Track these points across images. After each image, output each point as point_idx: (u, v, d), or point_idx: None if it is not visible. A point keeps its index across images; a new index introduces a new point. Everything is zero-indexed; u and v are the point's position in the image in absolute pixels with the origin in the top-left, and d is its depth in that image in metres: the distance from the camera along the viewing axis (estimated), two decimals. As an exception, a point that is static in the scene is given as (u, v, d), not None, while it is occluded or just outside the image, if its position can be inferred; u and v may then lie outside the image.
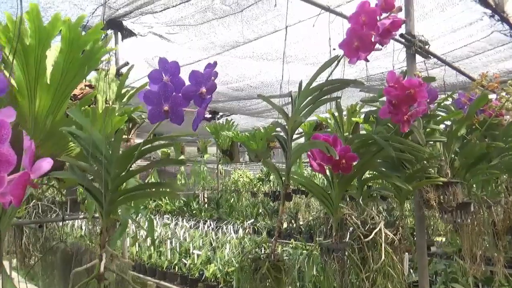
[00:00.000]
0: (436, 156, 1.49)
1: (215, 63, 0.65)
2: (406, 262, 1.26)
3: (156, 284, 3.25)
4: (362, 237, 1.14)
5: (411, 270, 2.34)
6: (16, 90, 1.21)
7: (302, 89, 0.91)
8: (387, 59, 2.68)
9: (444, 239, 3.81)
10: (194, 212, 6.83)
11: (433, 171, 1.45)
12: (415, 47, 1.52)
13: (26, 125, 1.28)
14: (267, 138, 4.86)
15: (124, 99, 1.92)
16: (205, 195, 8.74)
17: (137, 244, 3.67)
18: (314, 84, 0.93)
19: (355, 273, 1.13)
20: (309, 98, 0.89)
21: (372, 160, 1.04)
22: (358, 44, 0.79)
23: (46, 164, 0.46)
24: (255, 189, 8.02)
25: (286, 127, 0.91)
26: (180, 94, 0.58)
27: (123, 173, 0.67)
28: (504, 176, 2.02)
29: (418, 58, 1.62)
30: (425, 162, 1.45)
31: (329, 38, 0.99)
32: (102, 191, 0.65)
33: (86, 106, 1.55)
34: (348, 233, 1.19)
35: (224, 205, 6.91)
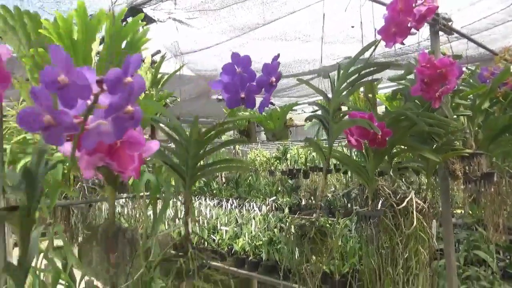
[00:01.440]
0: (461, 129, 1.57)
1: (278, 55, 0.75)
2: (434, 228, 1.37)
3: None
4: (394, 205, 1.24)
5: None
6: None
7: (341, 72, 1.00)
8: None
9: (463, 211, 3.90)
10: (214, 191, 7.02)
11: (458, 143, 1.54)
12: (439, 25, 1.58)
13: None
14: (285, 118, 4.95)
15: (159, 86, 2.03)
16: (223, 175, 8.92)
17: (166, 221, 3.86)
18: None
19: (389, 237, 1.24)
20: (348, 80, 0.98)
21: (404, 134, 1.13)
22: (395, 30, 0.87)
23: (154, 145, 0.57)
24: (272, 167, 8.16)
25: (327, 107, 1.01)
26: (254, 83, 0.68)
27: (200, 152, 0.78)
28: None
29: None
30: (450, 135, 1.53)
31: (361, 22, 1.06)
32: (184, 168, 0.76)
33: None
34: (380, 203, 1.29)
35: (243, 184, 7.07)
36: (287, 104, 4.61)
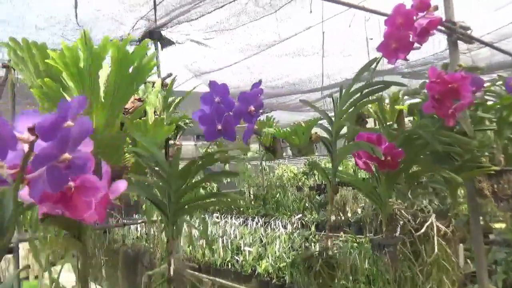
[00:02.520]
0: (487, 144, 1.45)
1: (260, 82, 0.70)
2: (461, 253, 1.25)
3: (211, 281, 3.39)
4: (413, 231, 1.15)
5: (468, 260, 2.28)
6: (77, 111, 1.32)
7: (343, 93, 0.93)
8: (428, 43, 2.59)
9: (503, 226, 3.63)
10: (241, 209, 6.97)
11: (484, 159, 1.42)
12: (457, 34, 1.48)
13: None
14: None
15: (171, 109, 2.03)
16: (251, 192, 8.85)
17: (189, 244, 3.84)
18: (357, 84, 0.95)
19: (408, 267, 1.14)
20: (350, 100, 0.91)
21: (419, 154, 1.04)
22: (396, 45, 0.80)
23: (121, 185, 0.54)
24: (300, 183, 8.02)
25: (331, 129, 0.94)
26: (231, 113, 0.64)
27: (183, 186, 0.74)
28: None
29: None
30: (475, 151, 1.42)
31: (366, 38, 1.00)
32: (166, 203, 0.73)
33: (137, 119, 1.67)
34: (399, 227, 1.20)
35: (270, 201, 6.99)
36: (312, 118, 4.53)
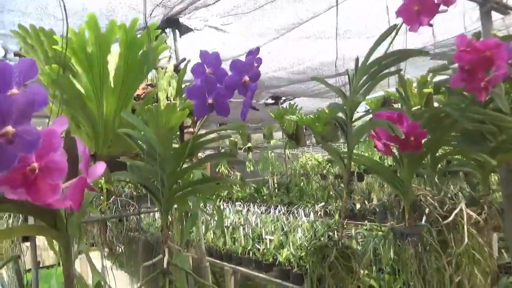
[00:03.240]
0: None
1: (257, 50, 0.62)
2: (495, 242, 1.14)
3: (232, 269, 3.37)
4: (440, 219, 1.05)
5: (503, 250, 2.13)
6: (85, 95, 1.29)
7: (359, 66, 0.84)
8: (458, 20, 2.41)
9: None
10: (264, 197, 6.93)
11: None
12: (490, 2, 1.34)
13: (97, 127, 1.37)
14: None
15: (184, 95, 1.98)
16: (275, 181, 8.79)
17: (212, 231, 3.83)
18: (373, 58, 0.85)
19: (436, 257, 1.05)
20: (367, 74, 0.82)
21: (445, 135, 0.94)
22: (418, 8, 0.70)
23: (100, 168, 0.48)
24: (324, 171, 7.89)
25: (345, 108, 0.85)
26: (223, 86, 0.56)
27: (177, 170, 0.68)
28: None
29: (495, 15, 1.43)
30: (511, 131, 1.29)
31: (386, 6, 0.90)
32: (160, 188, 0.67)
33: (149, 105, 1.63)
34: (425, 215, 1.10)
35: (294, 189, 6.91)
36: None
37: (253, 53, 0.60)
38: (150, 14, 3.26)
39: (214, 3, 3.16)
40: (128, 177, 0.68)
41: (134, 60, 1.48)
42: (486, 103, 0.99)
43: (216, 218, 1.31)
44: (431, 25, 0.75)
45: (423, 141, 0.88)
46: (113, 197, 1.97)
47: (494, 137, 1.04)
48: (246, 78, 0.57)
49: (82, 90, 1.30)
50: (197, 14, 3.34)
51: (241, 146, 8.57)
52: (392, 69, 0.83)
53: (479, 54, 0.77)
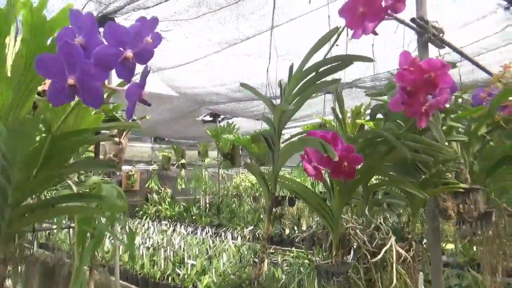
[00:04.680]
0: (454, 158, 1.29)
1: (156, 20, 0.47)
2: (421, 283, 1.06)
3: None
4: (368, 255, 0.94)
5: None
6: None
7: (293, 73, 0.72)
8: (396, 52, 2.47)
9: (453, 246, 3.58)
10: (194, 217, 6.65)
11: (450, 176, 1.26)
12: (428, 34, 1.33)
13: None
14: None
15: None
16: (207, 200, 8.53)
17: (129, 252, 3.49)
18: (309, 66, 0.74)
19: (361, 300, 0.94)
20: (301, 82, 0.70)
21: (381, 162, 0.85)
22: (364, 9, 0.60)
23: None
24: (257, 193, 7.81)
25: (273, 120, 0.72)
26: (91, 60, 0.39)
27: (30, 180, 0.49)
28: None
29: (432, 50, 1.42)
30: (441, 165, 1.26)
31: (328, 16, 0.80)
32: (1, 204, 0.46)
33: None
34: (353, 250, 0.99)
35: (224, 211, 6.72)
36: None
37: (146, 22, 0.44)
38: (82, 9, 2.97)
39: (154, 6, 2.97)
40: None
41: (40, 47, 1.23)
42: (420, 133, 0.92)
43: (123, 242, 1.10)
44: (376, 33, 0.65)
45: (357, 167, 0.77)
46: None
47: (428, 169, 0.97)
48: (129, 53, 0.40)
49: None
50: (135, 16, 3.12)
51: (174, 162, 8.23)
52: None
53: (423, 75, 0.69)
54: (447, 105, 1.24)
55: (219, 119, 6.94)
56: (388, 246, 0.93)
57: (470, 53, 3.14)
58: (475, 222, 1.35)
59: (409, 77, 0.70)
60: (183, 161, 8.25)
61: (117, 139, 2.36)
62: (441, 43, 1.40)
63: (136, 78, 0.46)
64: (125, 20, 3.09)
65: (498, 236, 1.56)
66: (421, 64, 0.70)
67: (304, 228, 5.62)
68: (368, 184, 1.05)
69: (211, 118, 6.93)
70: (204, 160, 7.56)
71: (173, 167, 8.37)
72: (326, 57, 0.70)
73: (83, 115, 1.37)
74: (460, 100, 1.52)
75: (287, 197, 6.64)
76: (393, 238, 0.96)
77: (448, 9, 2.47)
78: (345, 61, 0.69)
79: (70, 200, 0.58)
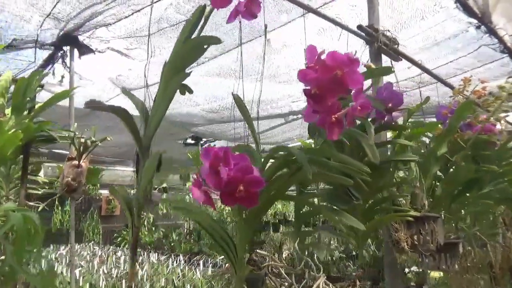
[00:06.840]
0: (409, 182, 1.13)
1: None
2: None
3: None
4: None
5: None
6: None
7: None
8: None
9: (440, 274, 3.36)
10: (172, 244, 6.38)
11: (404, 201, 1.10)
12: (379, 43, 1.19)
13: None
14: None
15: (25, 112, 1.56)
16: (189, 226, 8.26)
17: (89, 283, 3.23)
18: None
19: None
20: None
21: (284, 185, 0.68)
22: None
23: None
24: (240, 219, 7.57)
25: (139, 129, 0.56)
26: None
27: None
28: (502, 207, 1.66)
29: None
30: (393, 189, 1.09)
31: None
32: None
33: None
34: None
35: (205, 237, 6.46)
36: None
37: None
38: (40, 26, 2.84)
39: (115, 22, 2.85)
40: None
41: None
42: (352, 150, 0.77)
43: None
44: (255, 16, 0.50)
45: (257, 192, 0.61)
46: None
47: (360, 194, 0.81)
48: None
49: None
50: (98, 34, 2.99)
51: (156, 186, 7.99)
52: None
53: (328, 73, 0.54)
54: (399, 121, 1.10)
55: (202, 142, 6.79)
56: (315, 287, 0.75)
57: (444, 74, 3.04)
58: (438, 255, 1.18)
59: (311, 76, 0.55)
60: (164, 185, 8.02)
61: (76, 162, 2.17)
62: (394, 53, 1.27)
63: None
64: (89, 39, 2.96)
65: (467, 270, 1.38)
66: (325, 59, 0.55)
67: (285, 255, 5.38)
68: (300, 212, 0.88)
69: (193, 141, 6.78)
70: (186, 184, 7.34)
71: (155, 191, 8.12)
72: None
73: (-3, 133, 1.21)
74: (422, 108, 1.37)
75: (270, 223, 6.42)
76: (323, 278, 0.78)
77: (419, 26, 2.37)
78: (198, 44, 0.54)
79: None
